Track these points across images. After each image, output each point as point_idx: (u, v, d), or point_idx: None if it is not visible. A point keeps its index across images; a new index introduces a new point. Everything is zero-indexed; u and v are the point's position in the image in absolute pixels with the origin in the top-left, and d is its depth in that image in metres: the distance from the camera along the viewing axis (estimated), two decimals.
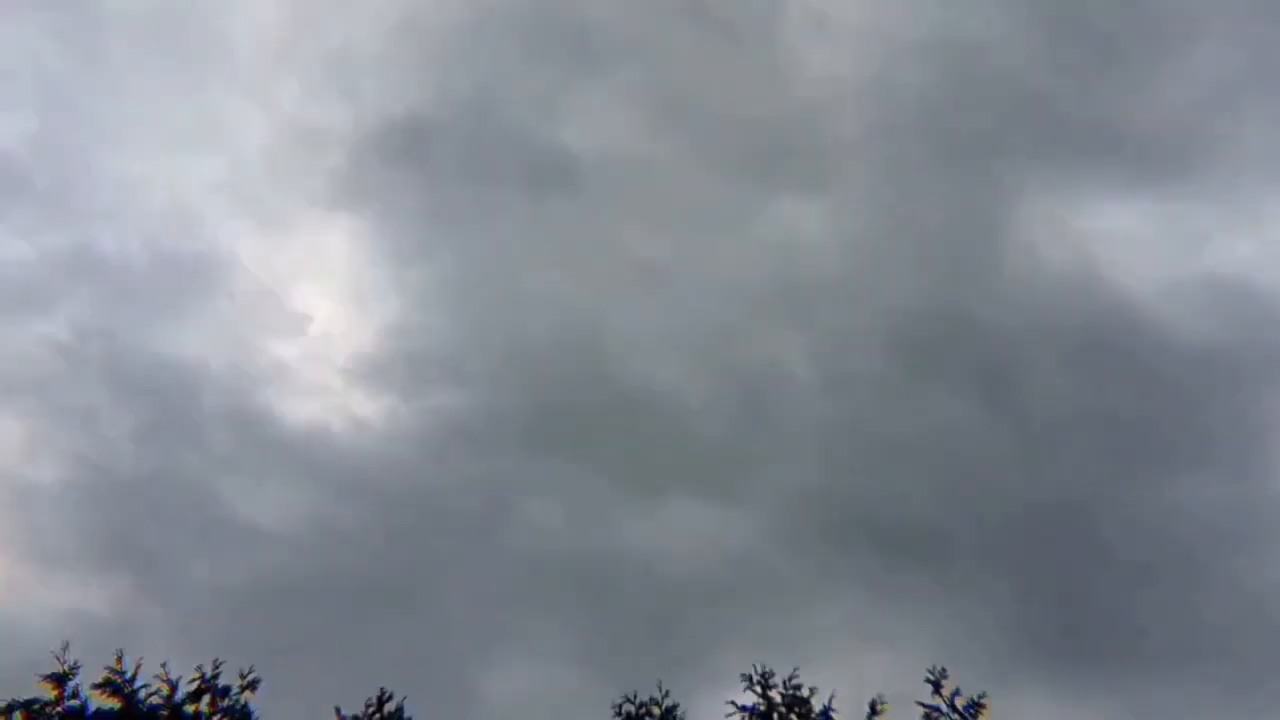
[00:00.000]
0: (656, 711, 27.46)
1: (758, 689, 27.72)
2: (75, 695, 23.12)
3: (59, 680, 23.14)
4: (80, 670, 23.45)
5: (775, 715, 27.53)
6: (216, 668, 24.15)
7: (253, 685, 24.08)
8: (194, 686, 23.79)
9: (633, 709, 27.50)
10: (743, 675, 27.88)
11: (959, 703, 27.81)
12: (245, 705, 23.81)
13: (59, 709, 22.82)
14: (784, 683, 27.83)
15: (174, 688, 23.63)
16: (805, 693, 27.77)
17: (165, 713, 23.14)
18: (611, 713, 27.50)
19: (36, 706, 22.68)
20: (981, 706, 27.79)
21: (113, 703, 23.04)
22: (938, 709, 27.64)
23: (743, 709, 27.54)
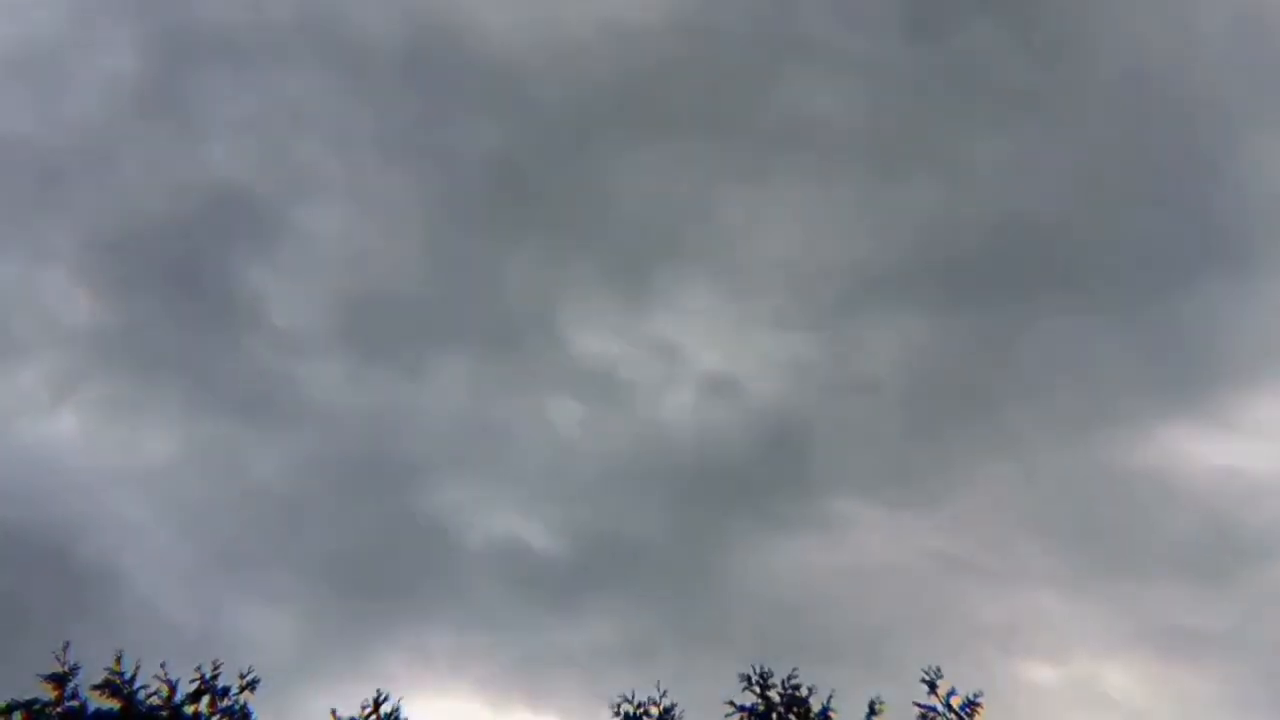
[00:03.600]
0: (655, 711, 27.63)
1: (756, 689, 27.93)
2: (75, 696, 23.23)
3: (59, 680, 23.24)
4: (80, 671, 23.55)
5: (774, 715, 27.71)
6: (216, 669, 24.37)
7: (252, 685, 24.28)
8: (194, 687, 23.98)
9: (630, 709, 27.66)
10: (740, 675, 28.10)
11: (955, 702, 28.00)
12: (245, 705, 24.02)
13: (59, 709, 22.91)
14: (783, 682, 28.06)
15: (174, 688, 23.83)
16: (804, 692, 27.99)
17: (165, 713, 23.31)
18: (610, 713, 27.68)
19: (37, 707, 22.78)
20: (978, 706, 27.96)
21: (112, 703, 23.18)
22: (934, 709, 27.83)
23: (741, 709, 27.73)
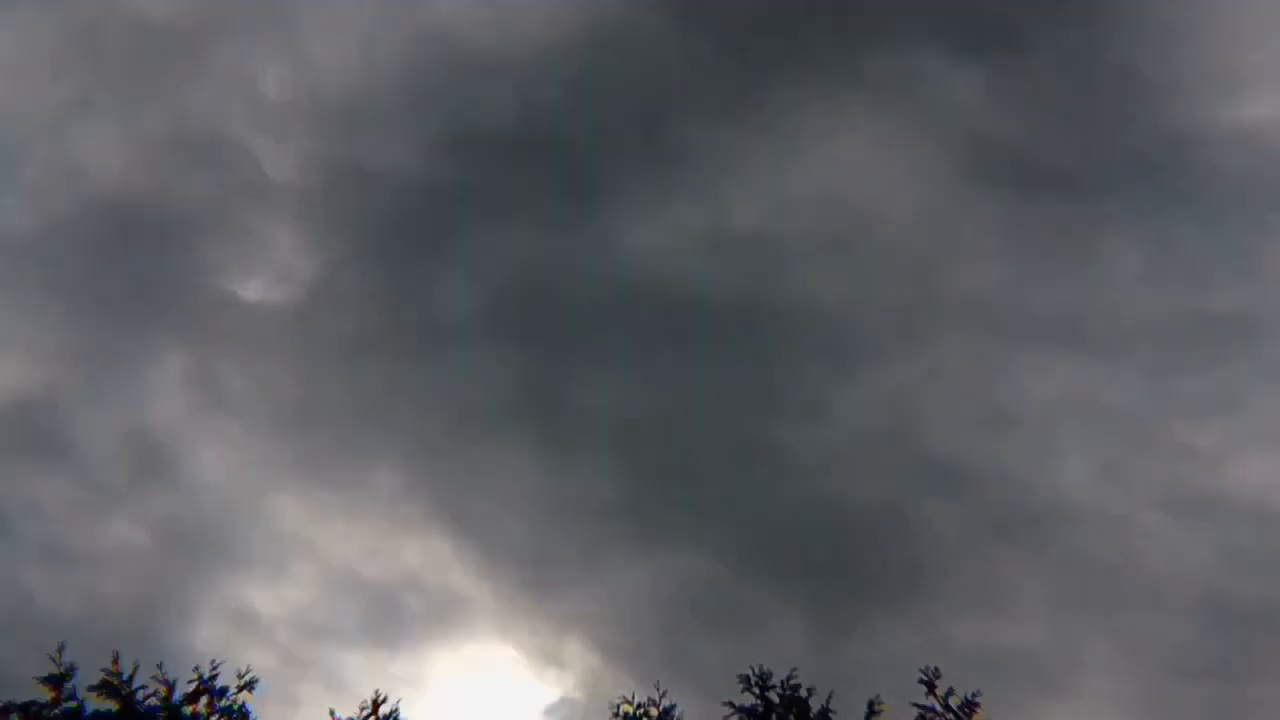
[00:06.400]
0: (654, 712, 27.62)
1: (755, 690, 27.92)
2: (73, 697, 23.15)
3: (56, 682, 23.15)
4: (77, 672, 23.48)
5: (773, 716, 27.70)
6: (214, 669, 24.32)
7: (250, 685, 24.24)
8: (192, 688, 23.94)
9: (630, 709, 27.66)
10: (739, 676, 28.09)
11: (953, 702, 28.05)
12: (243, 706, 24.02)
13: (56, 711, 22.82)
14: (782, 683, 28.04)
15: (171, 689, 23.76)
16: (804, 693, 27.99)
17: (163, 714, 23.28)
18: (610, 714, 27.68)
19: (34, 709, 22.68)
20: (975, 705, 28.03)
21: (110, 704, 23.12)
22: (932, 708, 27.87)
23: (740, 710, 27.72)
